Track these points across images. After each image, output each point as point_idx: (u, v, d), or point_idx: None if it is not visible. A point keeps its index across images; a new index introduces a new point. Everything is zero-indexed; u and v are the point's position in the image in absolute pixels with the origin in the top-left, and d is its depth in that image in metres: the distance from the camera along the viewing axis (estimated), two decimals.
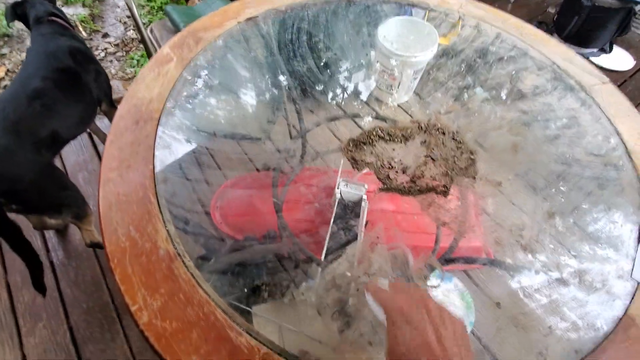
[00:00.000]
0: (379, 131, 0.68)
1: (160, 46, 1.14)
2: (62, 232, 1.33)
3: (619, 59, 2.23)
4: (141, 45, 2.19)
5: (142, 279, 0.50)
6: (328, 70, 1.02)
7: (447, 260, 0.66)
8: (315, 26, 0.91)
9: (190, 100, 0.76)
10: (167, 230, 0.54)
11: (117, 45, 2.19)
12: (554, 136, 0.73)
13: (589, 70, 0.87)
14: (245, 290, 0.73)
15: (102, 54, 2.12)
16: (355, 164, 0.64)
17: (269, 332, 0.76)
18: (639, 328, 0.50)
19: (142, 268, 0.51)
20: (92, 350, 1.12)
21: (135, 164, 0.62)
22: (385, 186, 0.62)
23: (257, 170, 1.43)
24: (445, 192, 0.61)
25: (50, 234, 1.32)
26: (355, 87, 1.08)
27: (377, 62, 0.96)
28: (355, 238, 0.87)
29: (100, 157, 1.56)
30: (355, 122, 1.13)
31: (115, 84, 1.89)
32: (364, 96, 1.06)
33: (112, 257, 0.51)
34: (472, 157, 0.66)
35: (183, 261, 0.52)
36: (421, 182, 0.62)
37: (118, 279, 0.50)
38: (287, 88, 0.96)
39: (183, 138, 0.71)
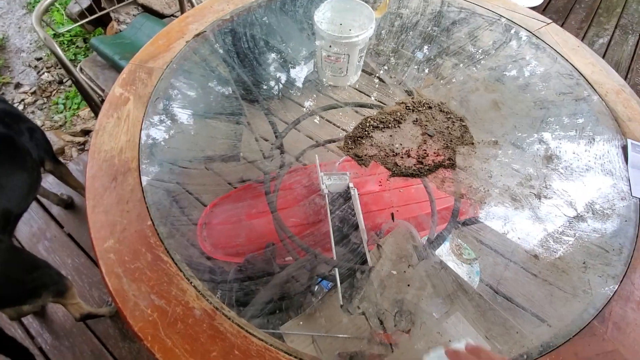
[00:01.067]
0: (371, 121, 0.67)
1: (97, 86, 1.03)
2: (40, 313, 1.19)
3: None
4: (62, 87, 1.97)
5: (186, 349, 0.45)
6: (282, 72, 0.99)
7: (465, 223, 0.68)
8: (269, 28, 0.87)
9: (165, 138, 0.69)
10: (195, 287, 0.50)
11: (34, 93, 1.95)
12: (525, 84, 0.77)
13: (532, 14, 0.92)
14: (265, 316, 0.71)
15: (21, 107, 1.87)
16: (360, 160, 0.62)
17: (303, 346, 0.75)
18: None
19: (182, 336, 0.46)
20: None
21: (130, 225, 0.55)
22: (395, 173, 0.61)
23: (234, 187, 1.38)
24: (452, 165, 0.62)
25: (29, 319, 1.17)
26: (308, 79, 1.07)
27: (322, 49, 0.95)
28: (355, 227, 0.87)
29: (56, 221, 1.40)
30: (321, 116, 1.11)
31: (47, 135, 1.68)
32: (317, 86, 1.05)
33: (144, 336, 0.46)
34: (463, 123, 0.67)
35: (224, 314, 0.48)
36: (427, 160, 0.63)
37: (160, 358, 0.45)
38: (250, 100, 0.92)
39: (170, 180, 0.65)
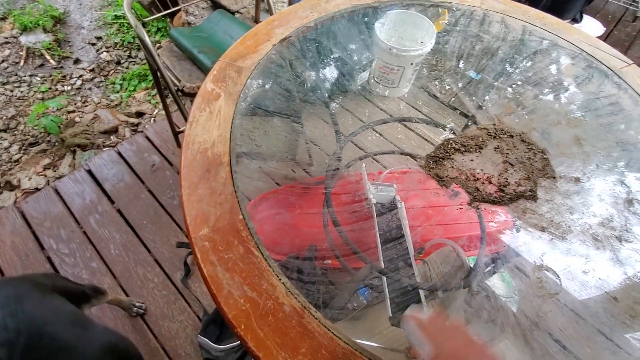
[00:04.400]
0: (453, 144, 0.68)
1: (174, 75, 1.07)
2: None
3: (590, 26, 2.35)
4: (119, 68, 2.06)
5: (277, 341, 0.48)
6: (359, 80, 1.01)
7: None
8: (349, 38, 0.89)
9: (251, 136, 0.72)
10: (284, 284, 0.52)
11: (92, 70, 2.04)
12: (607, 123, 0.76)
13: (614, 53, 0.91)
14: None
15: (79, 82, 1.96)
16: (442, 180, 0.64)
17: None
18: None
19: (273, 329, 0.49)
20: None
21: (223, 217, 0.58)
22: (476, 198, 0.62)
23: (279, 185, 1.41)
24: (534, 197, 0.62)
25: None
26: (362, 88, 1.09)
27: (378, 59, 0.97)
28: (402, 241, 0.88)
29: (106, 194, 1.47)
30: (374, 129, 1.12)
31: (102, 113, 1.76)
32: (369, 95, 1.07)
33: (237, 324, 0.49)
34: (545, 156, 0.68)
35: (311, 314, 0.50)
36: (508, 189, 0.63)
37: (253, 346, 0.47)
38: (326, 106, 0.95)
39: (256, 178, 0.68)
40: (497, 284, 0.99)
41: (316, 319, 0.50)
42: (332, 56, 0.93)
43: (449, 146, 0.68)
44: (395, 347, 0.88)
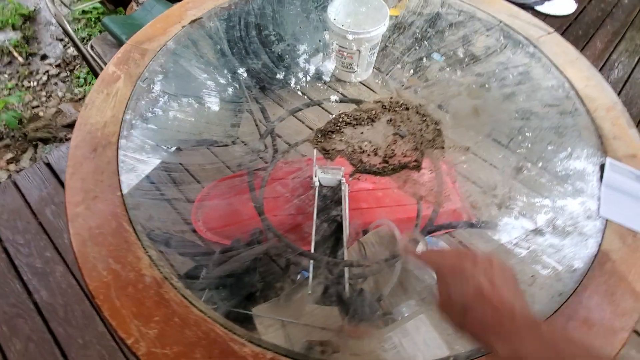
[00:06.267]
0: (345, 117, 0.68)
1: (104, 63, 1.08)
2: (41, 271, 1.27)
3: (562, 4, 2.30)
4: (85, 62, 2.07)
5: (132, 311, 0.49)
6: (285, 61, 1.01)
7: (429, 230, 0.68)
8: (263, 18, 0.89)
9: (148, 117, 0.73)
10: (149, 256, 0.53)
11: (58, 65, 2.05)
12: (511, 93, 0.75)
13: (535, 23, 0.89)
14: (242, 298, 0.74)
15: (45, 78, 1.98)
16: (327, 154, 0.64)
17: (273, 330, 0.78)
18: (613, 262, 0.54)
19: (131, 299, 0.50)
20: None
21: (102, 194, 0.59)
22: (359, 170, 0.63)
23: (233, 172, 1.42)
24: (417, 167, 0.62)
25: (28, 276, 1.26)
26: (316, 72, 1.08)
27: (333, 42, 0.96)
28: (339, 227, 0.88)
29: (63, 186, 1.49)
30: (322, 107, 1.13)
31: (65, 107, 1.78)
32: (326, 78, 1.06)
33: (96, 294, 0.50)
34: (437, 127, 0.67)
35: (172, 284, 0.51)
36: (393, 160, 0.63)
37: (107, 315, 0.48)
38: (246, 87, 0.94)
39: (147, 158, 0.69)
40: None
41: (175, 288, 0.51)
42: (249, 38, 0.92)
43: (340, 120, 0.68)
44: (327, 325, 0.89)
